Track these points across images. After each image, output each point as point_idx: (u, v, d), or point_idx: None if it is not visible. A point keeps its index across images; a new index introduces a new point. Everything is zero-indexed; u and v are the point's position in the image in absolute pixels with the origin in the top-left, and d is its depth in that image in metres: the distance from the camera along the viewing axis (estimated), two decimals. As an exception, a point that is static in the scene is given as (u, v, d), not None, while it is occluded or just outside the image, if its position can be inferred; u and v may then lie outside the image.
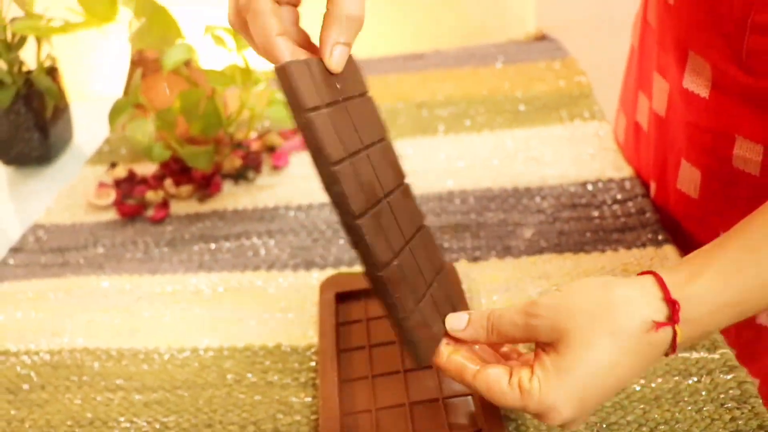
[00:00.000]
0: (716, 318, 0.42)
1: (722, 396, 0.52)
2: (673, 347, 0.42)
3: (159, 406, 0.59)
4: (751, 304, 0.43)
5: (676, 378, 0.54)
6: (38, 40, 0.92)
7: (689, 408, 0.51)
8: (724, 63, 0.59)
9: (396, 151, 0.50)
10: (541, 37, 1.08)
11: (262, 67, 0.85)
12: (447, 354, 0.47)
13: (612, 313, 0.41)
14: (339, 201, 0.42)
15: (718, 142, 0.62)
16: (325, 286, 0.66)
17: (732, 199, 0.65)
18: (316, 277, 0.70)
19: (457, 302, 0.51)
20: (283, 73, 0.41)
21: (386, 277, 0.44)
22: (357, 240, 0.43)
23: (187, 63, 0.85)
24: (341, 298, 0.65)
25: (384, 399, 0.55)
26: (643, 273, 0.44)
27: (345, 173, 0.42)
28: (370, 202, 0.44)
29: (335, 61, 0.44)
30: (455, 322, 0.47)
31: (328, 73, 0.44)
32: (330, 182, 0.42)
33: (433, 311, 0.47)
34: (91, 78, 1.33)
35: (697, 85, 0.63)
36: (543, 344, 0.43)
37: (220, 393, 0.59)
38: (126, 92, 0.87)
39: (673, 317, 0.41)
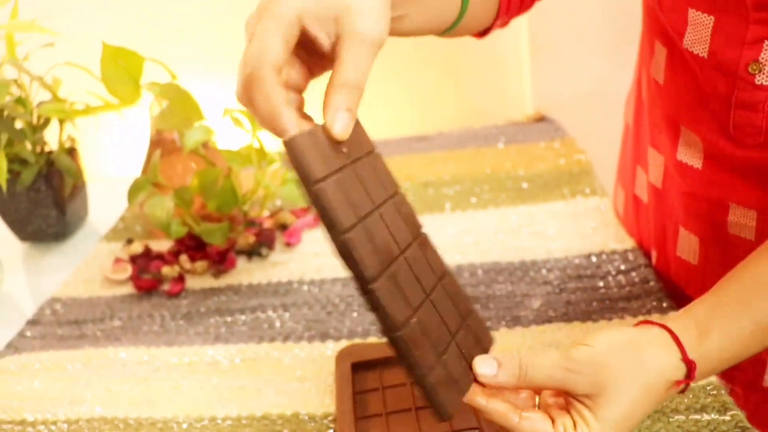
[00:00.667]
0: (719, 368, 0.52)
1: (733, 457, 0.54)
2: (682, 391, 0.51)
3: (179, 473, 0.60)
4: (751, 350, 0.52)
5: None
6: (60, 122, 0.96)
7: (701, 469, 0.53)
8: (713, 136, 0.63)
9: (409, 203, 0.50)
10: (540, 118, 1.14)
11: (277, 148, 0.90)
12: (486, 398, 0.48)
13: (645, 374, 0.48)
14: (352, 268, 0.43)
15: (713, 210, 0.66)
16: (340, 357, 0.68)
17: (730, 263, 0.68)
18: (332, 348, 0.72)
19: (488, 344, 0.52)
20: (290, 147, 0.42)
21: (404, 336, 0.44)
22: (373, 304, 0.44)
23: (205, 143, 0.89)
24: (357, 368, 0.67)
25: (402, 464, 0.57)
26: (658, 325, 0.50)
27: (356, 240, 0.43)
28: (384, 263, 0.45)
29: (339, 128, 0.44)
30: (485, 367, 0.48)
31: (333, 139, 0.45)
32: (342, 251, 0.43)
33: (459, 361, 0.48)
34: (106, 158, 1.38)
35: (691, 157, 0.67)
36: (578, 395, 0.47)
37: (239, 460, 0.60)
38: (144, 171, 0.91)
39: (690, 375, 0.49)
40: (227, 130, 0.91)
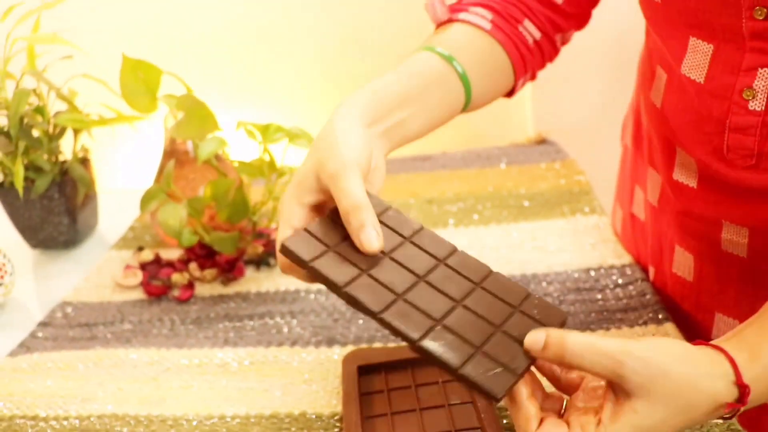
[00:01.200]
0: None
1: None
2: (730, 417, 0.50)
3: (190, 467, 0.62)
4: None
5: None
6: (75, 132, 1.00)
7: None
8: (708, 157, 0.66)
9: (435, 234, 0.58)
10: (542, 141, 1.17)
11: (287, 161, 0.93)
12: (528, 392, 0.49)
13: (697, 392, 0.48)
14: (362, 311, 0.52)
15: (707, 228, 0.69)
16: (347, 360, 0.71)
17: (724, 280, 0.71)
18: (338, 353, 0.74)
19: (556, 320, 0.53)
20: (284, 251, 0.54)
21: (425, 346, 0.49)
22: (389, 329, 0.51)
23: (218, 155, 0.92)
24: (363, 371, 0.69)
25: (407, 460, 0.59)
26: (712, 346, 0.50)
27: (358, 287, 0.52)
28: (385, 302, 0.52)
29: (368, 245, 0.53)
30: (532, 342, 0.49)
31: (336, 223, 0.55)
32: (347, 300, 0.52)
33: (509, 345, 0.50)
34: (118, 170, 1.41)
35: (686, 176, 0.70)
36: (622, 389, 0.47)
37: (248, 456, 0.63)
38: (158, 180, 0.94)
39: (743, 399, 0.49)
40: (240, 142, 0.95)
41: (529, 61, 0.73)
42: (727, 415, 0.49)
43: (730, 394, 0.48)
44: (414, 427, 0.62)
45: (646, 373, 0.47)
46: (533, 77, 0.76)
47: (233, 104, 1.35)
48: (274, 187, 0.90)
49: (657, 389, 0.47)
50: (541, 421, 0.49)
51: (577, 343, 0.48)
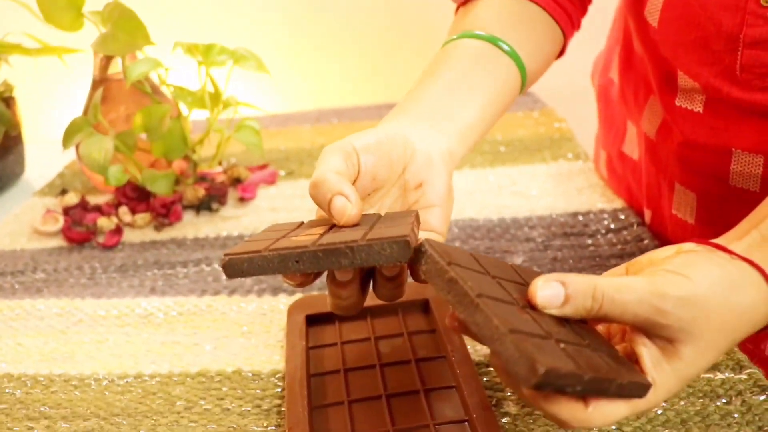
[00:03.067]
0: None
1: (758, 418, 0.43)
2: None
3: (90, 435, 0.48)
4: None
5: (702, 400, 0.45)
6: (-6, 62, 0.84)
7: (722, 433, 0.43)
8: (716, 80, 0.55)
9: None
10: (518, 92, 1.04)
11: (232, 91, 0.78)
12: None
13: (738, 321, 0.39)
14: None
15: (714, 159, 0.57)
16: (293, 308, 0.57)
17: (730, 222, 0.60)
18: (284, 302, 0.60)
19: None
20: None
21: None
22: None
23: (153, 86, 0.77)
24: (312, 321, 0.55)
25: (364, 426, 0.45)
26: (743, 259, 0.40)
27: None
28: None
29: (339, 213, 0.43)
30: (549, 295, 0.36)
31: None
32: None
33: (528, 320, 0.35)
34: (46, 120, 1.25)
35: (691, 101, 0.58)
36: (655, 334, 0.37)
37: (165, 421, 0.48)
38: (85, 112, 0.79)
39: None
40: (178, 72, 0.80)
41: (572, 12, 0.60)
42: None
43: (766, 318, 0.40)
44: (373, 386, 0.48)
45: (688, 316, 0.37)
46: (579, 27, 0.63)
47: (170, 27, 1.18)
48: (216, 119, 0.75)
49: (701, 332, 0.37)
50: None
51: (601, 298, 0.36)
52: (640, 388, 0.36)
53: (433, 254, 0.36)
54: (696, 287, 0.37)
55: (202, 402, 0.50)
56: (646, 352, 0.37)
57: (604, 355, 0.36)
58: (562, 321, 0.36)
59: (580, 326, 0.38)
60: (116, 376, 0.53)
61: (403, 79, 1.23)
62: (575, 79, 1.11)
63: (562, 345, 0.33)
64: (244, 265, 0.39)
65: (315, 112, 1.05)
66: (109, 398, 0.51)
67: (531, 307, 0.36)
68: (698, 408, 0.45)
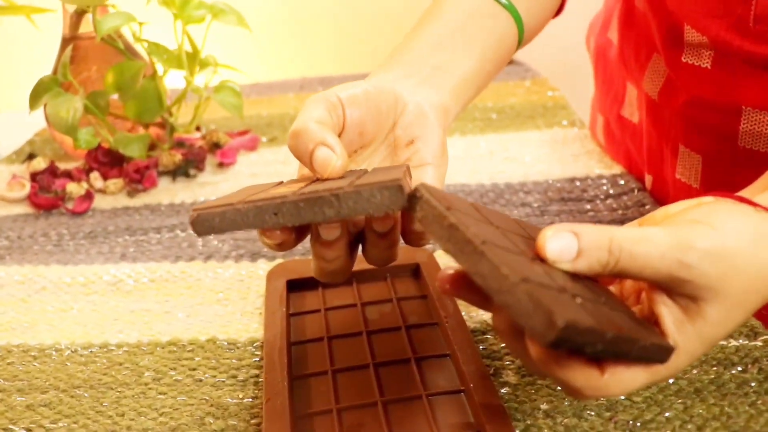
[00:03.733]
0: None
1: (779, 388, 0.39)
2: None
3: (47, 409, 0.42)
4: None
5: (716, 368, 0.41)
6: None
7: (740, 401, 0.38)
8: (726, 33, 0.50)
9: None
10: (509, 62, 0.99)
11: (211, 50, 0.73)
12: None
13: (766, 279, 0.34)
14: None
15: (722, 118, 0.53)
16: (273, 273, 0.52)
17: (737, 186, 0.56)
18: (264, 268, 0.55)
19: None
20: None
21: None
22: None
23: (126, 43, 0.71)
24: (293, 286, 0.51)
25: (349, 397, 0.40)
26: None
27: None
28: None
29: (322, 166, 0.38)
30: (561, 247, 0.30)
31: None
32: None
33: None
34: (14, 88, 1.18)
35: (698, 57, 0.54)
36: (677, 292, 0.32)
37: (131, 393, 0.43)
38: (55, 72, 0.73)
39: None
40: (152, 30, 0.74)
41: None
42: None
43: None
44: (359, 354, 0.43)
45: (715, 271, 0.32)
46: None
47: None
48: (194, 78, 0.69)
49: (729, 289, 0.32)
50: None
51: (618, 251, 0.31)
52: (662, 352, 0.31)
53: (430, 199, 0.31)
54: (724, 238, 0.32)
55: (173, 373, 0.45)
56: (667, 312, 0.32)
57: (621, 314, 0.31)
58: (575, 277, 0.31)
59: (593, 284, 0.33)
60: (80, 346, 0.48)
61: (391, 47, 1.18)
62: (567, 51, 1.06)
63: (578, 300, 0.28)
64: (215, 220, 0.34)
65: (299, 80, 0.99)
66: (71, 369, 0.46)
67: (540, 261, 0.31)
68: (712, 376, 0.41)
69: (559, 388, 0.40)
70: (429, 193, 0.32)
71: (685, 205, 0.37)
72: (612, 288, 0.37)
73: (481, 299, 0.34)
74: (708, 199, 0.37)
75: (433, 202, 0.31)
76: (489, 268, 0.28)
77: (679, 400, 0.39)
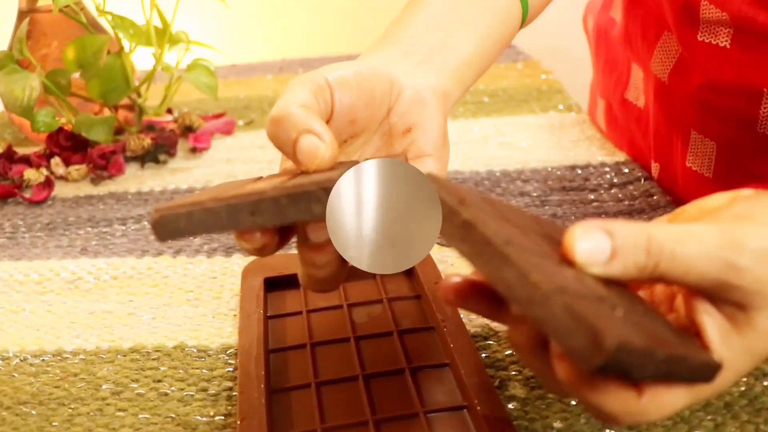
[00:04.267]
0: None
1: (822, 403, 0.34)
2: None
3: (-12, 429, 0.37)
4: None
5: (746, 380, 0.36)
6: None
7: (778, 420, 0.34)
8: (749, 8, 0.46)
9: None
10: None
11: (183, 27, 0.67)
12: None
13: None
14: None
15: (741, 102, 0.48)
16: (249, 271, 0.46)
17: (753, 175, 0.51)
18: (239, 264, 0.49)
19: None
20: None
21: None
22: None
23: (89, 18, 0.65)
24: (271, 285, 0.45)
25: (336, 415, 0.35)
26: None
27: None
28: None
29: (309, 157, 0.33)
30: (592, 249, 0.25)
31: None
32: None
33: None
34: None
35: (715, 35, 0.49)
36: (723, 299, 0.27)
37: (87, 410, 0.37)
38: (10, 48, 0.66)
39: None
40: (121, 7, 0.67)
41: None
42: None
43: None
44: (346, 364, 0.38)
45: (762, 273, 0.27)
46: None
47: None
48: (164, 55, 0.63)
49: None
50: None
51: (658, 253, 0.26)
52: (709, 370, 0.26)
53: (438, 191, 0.26)
54: None
55: (134, 385, 0.39)
56: (712, 322, 0.27)
57: (662, 326, 0.26)
58: (607, 283, 0.26)
59: (624, 289, 0.28)
60: (30, 354, 0.42)
61: (378, 28, 1.12)
62: (557, 33, 1.01)
63: (619, 312, 0.23)
64: (180, 222, 0.29)
65: (279, 62, 0.93)
66: (18, 382, 0.40)
67: (567, 264, 0.26)
68: (743, 389, 0.36)
69: (573, 402, 0.35)
70: (437, 185, 0.26)
71: (724, 199, 0.32)
72: (641, 293, 0.32)
73: (493, 310, 0.29)
74: (747, 192, 0.32)
75: (442, 194, 0.26)
76: (515, 275, 0.22)
77: (709, 416, 0.34)
